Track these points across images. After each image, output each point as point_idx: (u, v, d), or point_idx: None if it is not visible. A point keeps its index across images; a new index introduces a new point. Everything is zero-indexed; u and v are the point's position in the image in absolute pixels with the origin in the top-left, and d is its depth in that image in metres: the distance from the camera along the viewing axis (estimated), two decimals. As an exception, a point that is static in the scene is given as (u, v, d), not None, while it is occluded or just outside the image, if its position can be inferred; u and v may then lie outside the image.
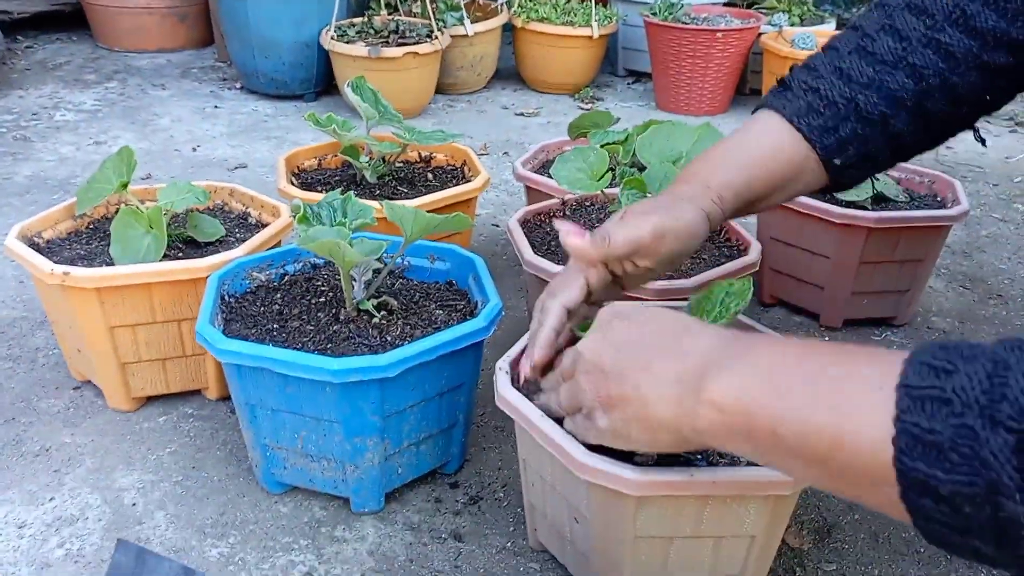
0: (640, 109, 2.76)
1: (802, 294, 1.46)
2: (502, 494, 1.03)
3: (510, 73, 3.03)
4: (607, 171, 1.21)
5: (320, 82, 2.70)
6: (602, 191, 1.25)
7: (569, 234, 0.78)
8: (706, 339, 0.59)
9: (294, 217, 1.01)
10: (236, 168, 2.12)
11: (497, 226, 1.84)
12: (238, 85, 2.78)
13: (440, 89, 2.74)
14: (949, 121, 0.80)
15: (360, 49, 2.42)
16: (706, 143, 1.19)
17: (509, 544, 0.95)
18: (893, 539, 0.98)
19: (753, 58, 2.79)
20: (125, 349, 1.12)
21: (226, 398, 1.19)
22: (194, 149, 2.24)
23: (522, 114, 2.66)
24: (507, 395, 0.81)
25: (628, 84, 3.03)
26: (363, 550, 0.94)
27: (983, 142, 0.88)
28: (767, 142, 0.81)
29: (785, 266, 1.46)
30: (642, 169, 1.22)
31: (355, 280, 1.00)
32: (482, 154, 2.28)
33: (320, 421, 0.92)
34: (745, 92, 2.88)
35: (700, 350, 0.58)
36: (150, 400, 1.19)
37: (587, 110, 2.74)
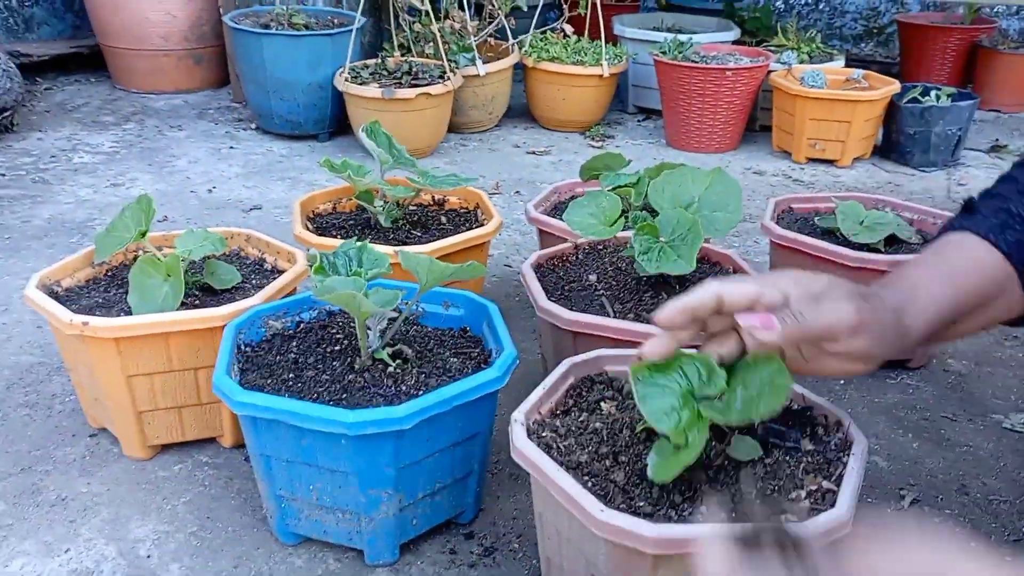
0: (650, 147, 2.77)
1: (817, 336, 1.45)
2: (516, 545, 1.03)
3: (521, 111, 3.05)
4: (620, 216, 1.22)
5: (334, 123, 2.73)
6: (615, 236, 1.25)
7: (760, 331, 0.70)
8: None
9: (311, 266, 1.02)
10: (251, 210, 2.14)
11: (510, 267, 1.85)
12: (253, 125, 2.82)
13: (452, 127, 2.77)
14: None
15: (374, 91, 2.45)
16: (718, 188, 1.20)
17: (525, 597, 0.95)
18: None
19: (763, 96, 2.80)
20: (142, 397, 1.13)
21: (241, 445, 1.19)
22: (210, 191, 2.26)
23: (533, 153, 2.68)
24: (524, 448, 0.81)
25: (639, 121, 3.05)
26: (378, 603, 0.94)
27: None
28: (968, 256, 0.78)
29: (799, 308, 1.45)
30: (654, 213, 1.22)
31: (370, 329, 1.01)
32: (494, 193, 2.30)
33: (335, 473, 0.92)
34: (755, 129, 2.89)
35: None
36: (165, 448, 1.20)
37: (598, 148, 2.76)
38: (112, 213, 2.06)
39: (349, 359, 1.03)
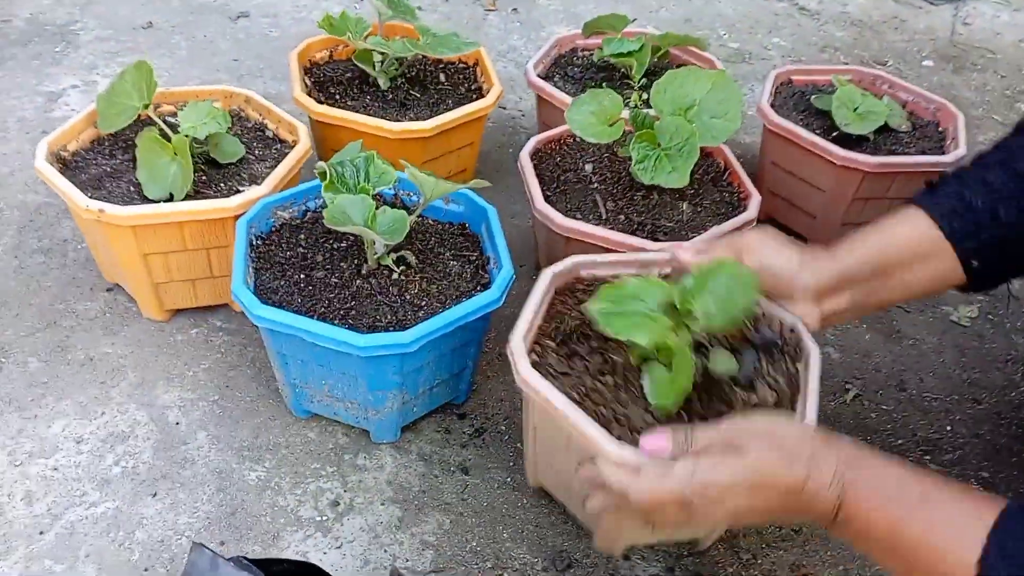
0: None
1: (794, 217, 1.53)
2: (503, 427, 1.17)
3: None
4: (619, 118, 1.24)
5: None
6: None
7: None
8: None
9: (320, 176, 1.05)
10: (238, 17, 2.07)
11: (504, 108, 1.85)
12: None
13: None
14: None
15: None
16: (721, 91, 1.21)
17: (509, 479, 1.10)
18: (840, 486, 1.13)
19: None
20: (157, 272, 1.20)
21: (251, 310, 1.28)
22: (193, -12, 2.16)
23: (534, -48, 2.54)
24: (529, 378, 0.85)
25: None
26: (382, 479, 1.09)
27: None
28: (908, 225, 0.89)
29: (782, 190, 1.51)
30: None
31: (375, 242, 1.07)
32: (490, 9, 2.22)
33: (345, 375, 1.03)
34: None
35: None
36: (181, 311, 1.29)
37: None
38: (93, 13, 2.01)
39: (356, 261, 1.10)
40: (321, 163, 1.04)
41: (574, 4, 2.32)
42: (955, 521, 0.64)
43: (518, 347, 0.89)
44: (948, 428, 1.23)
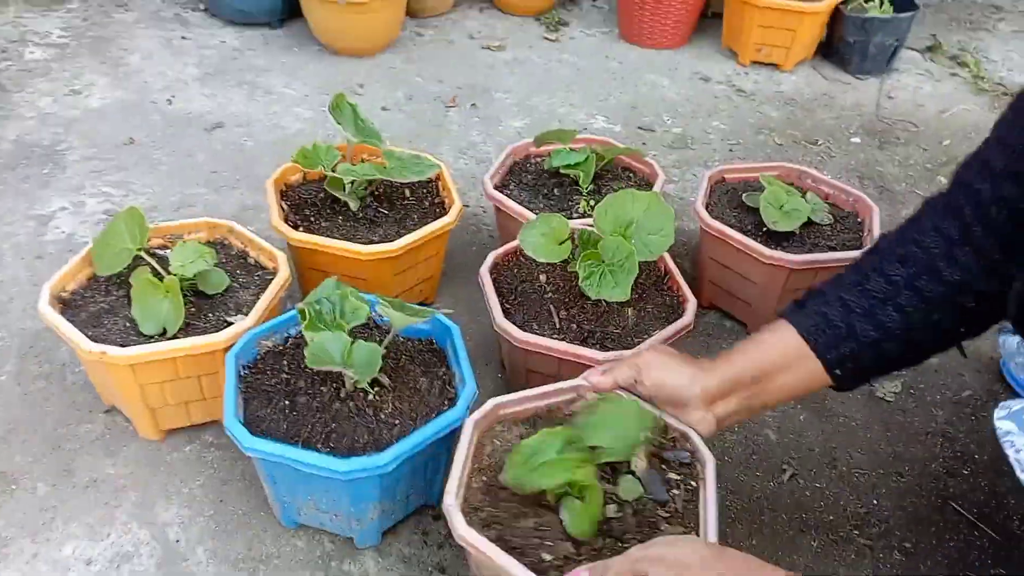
0: (604, 40, 2.83)
1: (733, 305, 1.68)
2: (475, 526, 1.29)
3: (476, -12, 3.03)
4: (568, 238, 1.38)
5: (286, 8, 2.70)
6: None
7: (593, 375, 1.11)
8: None
9: (300, 315, 1.18)
10: (214, 128, 2.21)
11: (467, 206, 1.99)
12: (202, 6, 2.77)
13: (408, 12, 2.76)
14: (931, 347, 1.03)
15: (328, -8, 2.43)
16: (655, 210, 1.37)
17: (482, 576, 1.22)
18: (780, 564, 1.26)
19: (716, -11, 2.83)
20: (153, 398, 1.32)
21: (240, 425, 1.40)
22: (169, 101, 2.30)
23: (489, 48, 2.71)
24: (466, 535, 0.97)
25: (592, 2, 3.06)
26: (367, 583, 1.21)
27: (964, 355, 1.11)
28: (778, 338, 1.03)
29: (721, 282, 1.67)
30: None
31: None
32: (451, 106, 2.38)
33: (330, 492, 1.15)
34: (707, 15, 2.94)
35: None
36: (175, 429, 1.40)
37: (553, 40, 2.80)
38: (77, 132, 2.14)
39: (335, 384, 1.23)
40: (300, 305, 1.17)
41: (528, 97, 2.48)
42: None
43: (452, 506, 1.00)
44: (875, 502, 1.37)
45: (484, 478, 1.09)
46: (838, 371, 1.01)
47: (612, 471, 1.09)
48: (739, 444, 1.45)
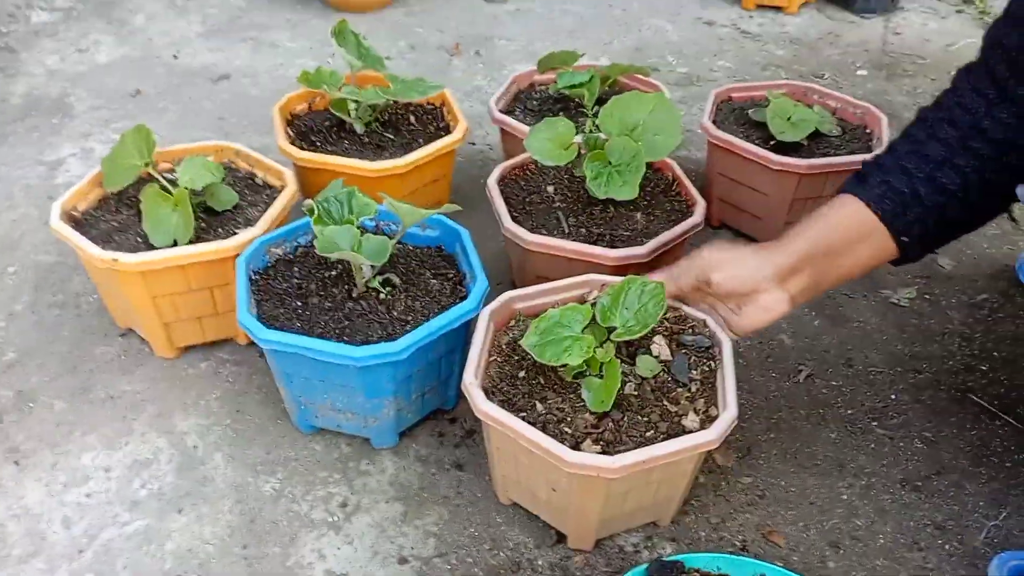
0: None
1: (743, 221, 1.67)
2: (491, 426, 1.29)
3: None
4: (573, 142, 1.38)
5: (288, -32, 2.70)
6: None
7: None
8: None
9: (308, 213, 1.18)
10: (219, 79, 2.21)
11: (473, 144, 1.99)
12: (205, -32, 2.78)
13: (408, -30, 2.77)
14: (988, 209, 1.03)
15: (329, -56, 2.43)
16: (661, 111, 1.36)
17: (499, 471, 1.22)
18: (799, 455, 1.26)
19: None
20: (166, 312, 1.32)
21: (254, 342, 1.40)
22: (175, 56, 2.31)
23: (490, 0, 2.71)
24: (488, 410, 0.98)
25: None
26: (384, 481, 1.20)
27: (1013, 219, 1.11)
28: (845, 211, 1.03)
29: (730, 197, 1.66)
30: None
31: (363, 265, 1.20)
32: (454, 54, 2.38)
33: (345, 387, 1.15)
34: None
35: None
36: (190, 348, 1.41)
37: (554, -8, 2.80)
38: (85, 86, 2.15)
39: (346, 286, 1.23)
40: (309, 200, 1.17)
41: (531, 43, 2.48)
42: None
43: (472, 384, 1.02)
44: (893, 397, 1.36)
45: (500, 365, 1.09)
46: (905, 238, 1.01)
47: (629, 350, 1.09)
48: (753, 348, 1.44)
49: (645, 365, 1.07)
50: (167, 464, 1.23)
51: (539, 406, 1.03)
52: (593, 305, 1.07)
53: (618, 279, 1.09)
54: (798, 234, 1.04)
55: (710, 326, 1.12)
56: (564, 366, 1.03)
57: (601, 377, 1.02)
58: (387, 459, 1.24)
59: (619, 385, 0.99)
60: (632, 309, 1.04)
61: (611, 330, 1.04)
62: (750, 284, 1.04)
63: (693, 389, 1.06)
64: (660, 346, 1.10)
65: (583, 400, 1.03)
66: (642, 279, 1.06)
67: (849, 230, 1.02)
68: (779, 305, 1.04)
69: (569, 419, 1.02)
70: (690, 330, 1.13)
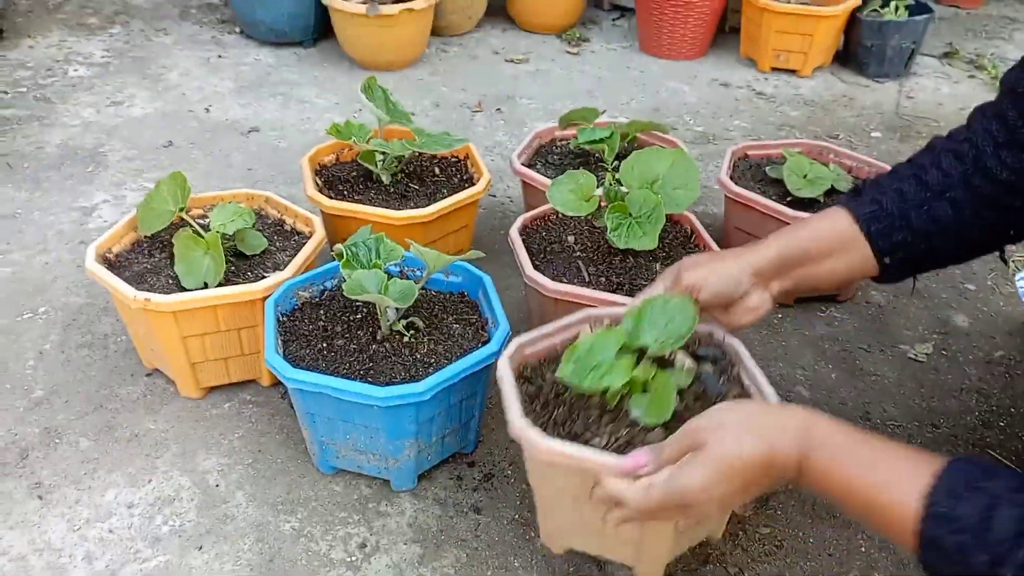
0: (624, 53, 2.90)
1: (761, 275, 1.69)
2: (509, 471, 1.30)
3: (498, 10, 3.13)
4: (594, 194, 1.42)
5: (318, 28, 2.80)
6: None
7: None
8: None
9: (337, 257, 1.22)
10: (250, 132, 2.28)
11: (494, 196, 2.04)
12: (237, 29, 2.89)
13: (434, 31, 2.86)
14: (980, 246, 1.04)
15: (358, 6, 2.53)
16: (681, 166, 1.40)
17: (517, 516, 1.22)
18: (817, 506, 1.26)
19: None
20: (195, 352, 1.35)
21: (277, 384, 1.43)
22: (207, 110, 2.39)
23: (512, 61, 2.80)
24: (552, 446, 0.94)
25: (613, 21, 3.15)
26: (403, 523, 1.21)
27: (1005, 262, 1.11)
28: (832, 222, 1.04)
29: (747, 251, 1.68)
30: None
31: (388, 308, 1.23)
32: (476, 111, 2.45)
33: (368, 427, 1.17)
34: (725, 31, 3.01)
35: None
36: (214, 388, 1.43)
37: (574, 54, 2.88)
38: (119, 137, 2.22)
39: (371, 329, 1.26)
40: (339, 245, 1.21)
41: (551, 102, 2.55)
42: (903, 467, 0.76)
43: (524, 426, 0.98)
44: (910, 450, 1.36)
45: (527, 414, 1.08)
46: (888, 259, 1.02)
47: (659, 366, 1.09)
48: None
49: (679, 378, 1.06)
50: (189, 502, 1.24)
51: (595, 439, 1.01)
52: None
53: (619, 310, 1.11)
54: (781, 236, 1.06)
55: (716, 336, 1.13)
56: (605, 391, 1.03)
57: (646, 393, 1.02)
58: (406, 501, 1.25)
59: (674, 390, 1.00)
60: (659, 326, 1.04)
61: (641, 352, 1.04)
62: (729, 286, 1.06)
63: (730, 394, 1.07)
64: (684, 360, 1.10)
65: (631, 422, 1.01)
66: (663, 297, 1.07)
67: (830, 240, 1.04)
68: (765, 304, 1.07)
69: (632, 442, 0.99)
70: (699, 344, 1.14)
